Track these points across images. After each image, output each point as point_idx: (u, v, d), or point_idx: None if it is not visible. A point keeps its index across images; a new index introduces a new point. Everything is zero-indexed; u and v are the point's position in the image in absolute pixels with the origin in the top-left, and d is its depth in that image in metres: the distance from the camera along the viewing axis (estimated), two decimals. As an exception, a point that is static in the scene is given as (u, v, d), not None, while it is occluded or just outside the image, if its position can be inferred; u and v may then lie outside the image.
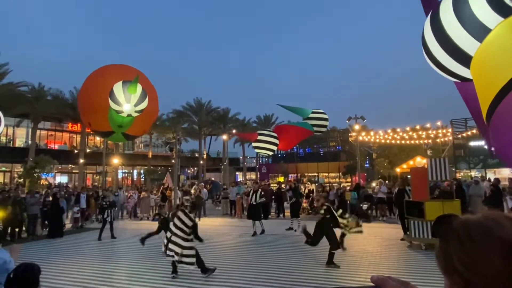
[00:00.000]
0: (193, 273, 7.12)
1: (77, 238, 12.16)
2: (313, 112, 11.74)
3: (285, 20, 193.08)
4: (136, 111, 7.07)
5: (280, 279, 6.72)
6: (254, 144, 12.15)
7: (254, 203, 12.19)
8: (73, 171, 37.58)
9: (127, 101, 6.77)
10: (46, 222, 13.20)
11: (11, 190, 13.79)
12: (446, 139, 28.19)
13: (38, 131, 31.67)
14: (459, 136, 27.14)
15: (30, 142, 30.92)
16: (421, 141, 29.39)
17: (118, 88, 6.81)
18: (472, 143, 26.68)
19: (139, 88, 6.86)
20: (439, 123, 28.56)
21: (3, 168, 32.67)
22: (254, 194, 12.27)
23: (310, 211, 18.05)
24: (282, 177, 36.06)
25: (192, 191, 19.98)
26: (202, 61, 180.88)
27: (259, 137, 11.79)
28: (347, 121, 22.80)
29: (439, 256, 0.71)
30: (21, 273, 2.77)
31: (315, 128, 11.93)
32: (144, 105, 7.10)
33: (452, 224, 0.70)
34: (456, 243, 0.66)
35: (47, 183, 26.47)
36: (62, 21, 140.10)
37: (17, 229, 12.11)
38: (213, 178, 36.82)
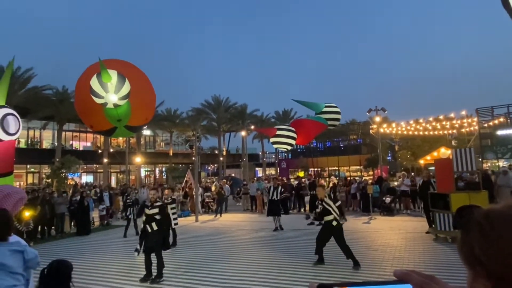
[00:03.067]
0: (216, 267, 7.20)
1: (104, 235, 12.50)
2: (326, 106, 11.88)
3: (300, 10, 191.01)
4: (120, 98, 6.83)
5: (302, 274, 6.70)
6: (272, 140, 12.18)
7: (276, 199, 12.28)
8: (98, 170, 38.66)
9: (106, 91, 6.63)
10: (73, 222, 13.67)
11: (40, 190, 14.31)
12: (472, 128, 27.22)
13: (63, 133, 32.71)
14: (485, 125, 26.20)
15: (56, 143, 31.98)
16: (445, 132, 28.51)
17: (94, 82, 6.66)
18: (499, 132, 25.70)
19: (113, 74, 6.66)
20: (463, 113, 27.49)
21: (32, 169, 33.95)
22: (275, 191, 12.38)
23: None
24: (302, 172, 35.86)
25: (213, 187, 20.16)
26: (219, 58, 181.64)
27: (278, 132, 11.84)
28: (367, 113, 22.37)
29: (461, 247, 0.68)
30: (55, 269, 2.87)
31: (329, 122, 12.08)
32: (126, 89, 6.82)
33: (473, 214, 0.68)
34: (478, 233, 0.64)
35: (73, 182, 27.34)
36: (83, 23, 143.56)
37: (46, 228, 12.58)
38: (233, 174, 37.00)
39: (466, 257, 0.66)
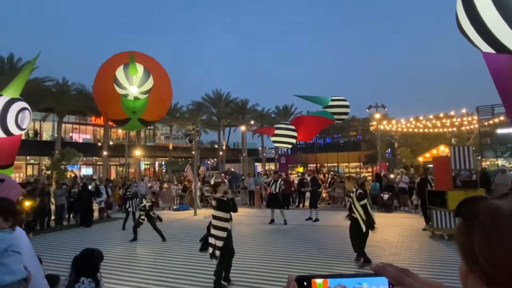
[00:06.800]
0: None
1: (103, 228, 12.58)
2: (332, 100, 11.30)
3: (301, 7, 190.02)
4: (141, 92, 6.99)
5: (297, 268, 6.76)
6: (273, 139, 12.06)
7: (274, 192, 12.41)
8: (98, 163, 38.71)
9: (130, 84, 6.77)
10: (72, 214, 13.74)
11: (39, 181, 14.36)
12: (472, 127, 27.24)
13: (63, 125, 32.70)
14: (486, 123, 26.15)
15: (56, 135, 31.97)
16: (445, 130, 28.52)
17: (119, 72, 6.80)
18: (500, 131, 25.68)
19: (139, 68, 6.80)
20: (464, 111, 27.50)
21: (32, 161, 33.97)
22: (274, 184, 12.55)
23: (330, 202, 17.98)
24: (302, 168, 35.88)
25: (212, 182, 20.19)
26: (220, 52, 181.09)
27: (277, 131, 11.63)
28: (367, 110, 22.38)
29: (460, 240, 0.66)
30: (84, 256, 3.00)
31: (336, 117, 11.52)
32: (149, 84, 7.00)
33: (479, 206, 0.64)
34: (481, 235, 0.61)
35: (73, 175, 27.38)
36: (83, 15, 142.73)
37: (45, 219, 12.63)
38: (232, 169, 37.04)
39: (464, 251, 0.65)
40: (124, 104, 7.22)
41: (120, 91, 6.93)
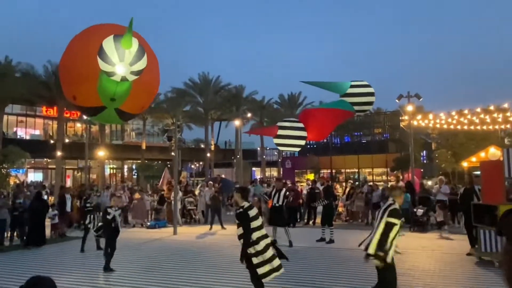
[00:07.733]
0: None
1: (56, 249, 12.57)
2: (352, 86, 10.83)
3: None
4: (132, 72, 6.83)
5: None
6: (275, 141, 11.84)
7: (277, 205, 12.43)
8: (49, 166, 38.69)
9: (120, 60, 6.62)
10: (16, 232, 13.72)
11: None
12: (531, 123, 27.42)
13: (5, 117, 32.68)
14: (548, 119, 26.29)
15: (-5, 130, 31.93)
16: (497, 127, 28.67)
17: (108, 43, 6.64)
18: None
19: (134, 42, 6.70)
20: (520, 102, 27.67)
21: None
22: (277, 194, 12.54)
23: (348, 218, 18.05)
24: (312, 174, 35.97)
25: (196, 191, 20.27)
26: (211, 29, 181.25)
27: (280, 131, 11.26)
28: (397, 101, 22.34)
29: (505, 261, 0.67)
30: (30, 286, 2.98)
31: (356, 108, 11.15)
32: (142, 64, 6.86)
33: None
34: None
35: (17, 181, 27.36)
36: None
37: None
38: (223, 175, 37.07)
39: (510, 277, 0.66)
40: (102, 87, 7.04)
41: (104, 66, 6.73)
